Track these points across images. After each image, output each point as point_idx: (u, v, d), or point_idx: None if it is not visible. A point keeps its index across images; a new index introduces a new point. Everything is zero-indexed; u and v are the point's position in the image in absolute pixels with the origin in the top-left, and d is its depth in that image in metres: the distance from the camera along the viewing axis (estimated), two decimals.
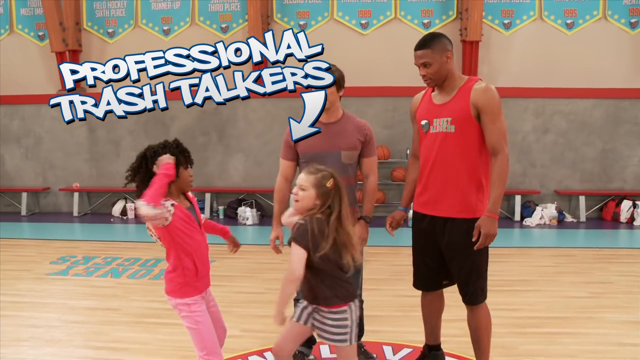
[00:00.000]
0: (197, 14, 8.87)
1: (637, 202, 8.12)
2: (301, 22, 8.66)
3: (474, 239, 2.63)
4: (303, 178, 2.40)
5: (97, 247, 6.57)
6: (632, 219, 8.07)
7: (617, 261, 5.88)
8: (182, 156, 2.43)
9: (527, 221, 8.11)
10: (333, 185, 2.36)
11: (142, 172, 2.39)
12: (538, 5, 8.42)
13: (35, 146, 9.27)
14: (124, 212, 8.75)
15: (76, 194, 9.03)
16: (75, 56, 9.05)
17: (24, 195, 9.09)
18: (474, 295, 2.79)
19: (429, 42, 2.66)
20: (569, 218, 8.36)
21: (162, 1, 8.92)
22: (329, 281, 2.37)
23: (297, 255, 2.28)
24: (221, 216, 8.57)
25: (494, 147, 2.63)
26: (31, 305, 4.45)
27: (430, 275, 2.94)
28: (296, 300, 3.19)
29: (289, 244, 2.33)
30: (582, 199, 8.36)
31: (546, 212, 8.09)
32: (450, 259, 2.81)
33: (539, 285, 4.92)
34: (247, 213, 8.05)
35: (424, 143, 2.81)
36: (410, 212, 3.08)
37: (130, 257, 5.98)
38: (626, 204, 8.16)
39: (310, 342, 3.28)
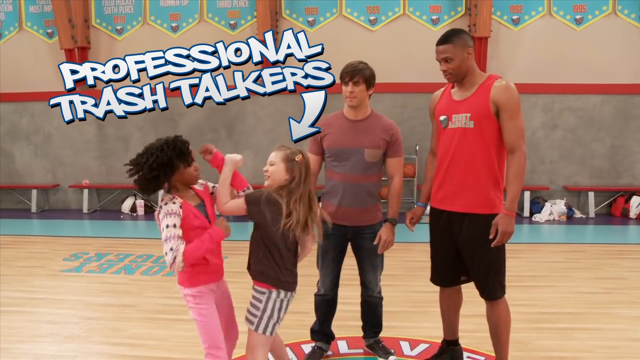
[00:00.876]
0: (206, 10, 8.88)
1: None
2: (310, 19, 8.66)
3: (491, 237, 2.65)
4: (273, 154, 2.43)
5: (109, 244, 6.61)
6: None
7: (628, 257, 5.89)
8: (178, 158, 2.34)
9: (537, 217, 8.12)
10: (302, 159, 2.37)
11: (142, 173, 2.32)
12: (547, 1, 8.39)
13: (45, 143, 9.31)
14: (133, 208, 8.79)
15: (85, 191, 9.08)
16: (83, 53, 9.09)
17: (34, 192, 9.14)
18: (492, 290, 2.81)
19: (450, 37, 2.68)
20: (578, 214, 8.36)
21: None
22: (269, 259, 2.37)
23: (237, 204, 2.37)
24: None
25: (512, 145, 2.64)
26: (47, 301, 4.49)
27: (447, 271, 2.96)
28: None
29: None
30: (591, 194, 8.35)
31: (555, 208, 8.10)
32: (468, 255, 2.82)
33: (551, 281, 4.93)
34: None
35: (442, 138, 2.82)
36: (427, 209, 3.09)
37: (142, 253, 6.02)
38: (635, 200, 8.15)
39: (328, 338, 3.30)
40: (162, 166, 2.30)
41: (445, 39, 2.69)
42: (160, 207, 2.35)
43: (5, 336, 3.72)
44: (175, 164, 2.33)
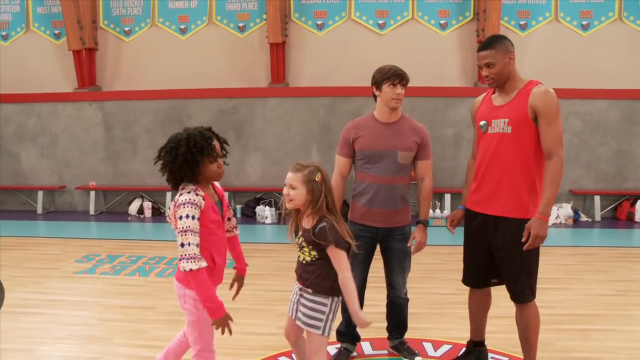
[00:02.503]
0: (215, 13, 8.90)
1: None
2: (319, 22, 8.70)
3: (523, 240, 2.68)
4: (291, 177, 2.37)
5: (120, 246, 6.60)
6: None
7: (638, 260, 5.93)
8: (201, 153, 2.26)
9: None
10: (321, 179, 2.36)
11: (176, 164, 2.25)
12: (554, 7, 8.48)
13: (51, 145, 9.29)
14: (140, 210, 8.77)
15: (92, 193, 9.05)
16: (91, 55, 9.12)
17: (40, 193, 9.11)
18: (522, 294, 2.83)
19: (492, 43, 2.72)
20: (583, 217, 8.42)
21: (179, 0, 8.95)
22: (333, 272, 2.40)
23: (343, 256, 2.35)
24: (238, 215, 8.60)
25: (549, 150, 2.67)
26: (65, 303, 4.48)
27: (479, 273, 2.99)
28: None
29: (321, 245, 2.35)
30: (597, 198, 8.41)
31: (562, 211, 8.14)
32: (500, 258, 2.85)
33: (565, 283, 4.97)
34: (265, 212, 8.08)
35: (482, 143, 2.86)
36: None
37: (154, 255, 6.01)
38: None
39: (354, 339, 3.32)
40: (185, 161, 2.24)
41: (487, 45, 2.73)
42: (181, 194, 2.26)
43: (26, 337, 3.72)
44: (199, 159, 2.26)
